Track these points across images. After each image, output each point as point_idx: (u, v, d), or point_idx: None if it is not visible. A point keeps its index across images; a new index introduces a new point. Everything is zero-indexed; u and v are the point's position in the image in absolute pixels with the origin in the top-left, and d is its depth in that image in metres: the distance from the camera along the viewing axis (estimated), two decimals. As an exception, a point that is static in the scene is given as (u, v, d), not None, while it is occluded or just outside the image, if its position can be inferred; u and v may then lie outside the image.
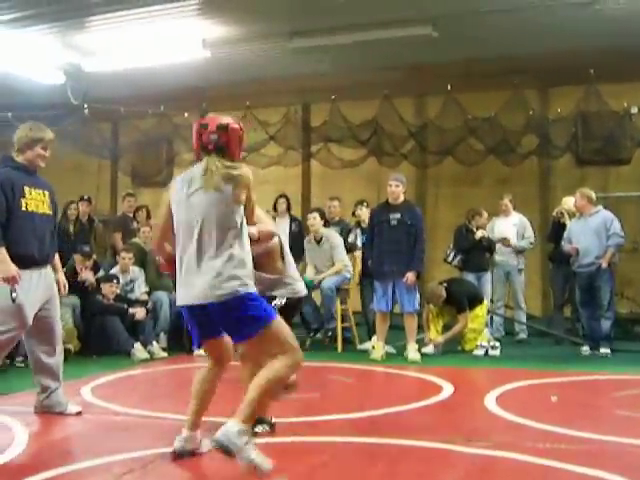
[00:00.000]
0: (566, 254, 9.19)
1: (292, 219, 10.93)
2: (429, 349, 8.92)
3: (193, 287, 3.97)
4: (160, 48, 10.93)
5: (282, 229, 10.64)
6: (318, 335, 9.63)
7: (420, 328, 9.01)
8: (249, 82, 12.60)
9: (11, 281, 5.00)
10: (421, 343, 8.90)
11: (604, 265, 8.79)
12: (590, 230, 8.90)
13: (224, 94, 12.73)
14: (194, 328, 4.17)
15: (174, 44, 10.80)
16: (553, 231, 10.00)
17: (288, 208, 10.94)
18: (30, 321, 5.19)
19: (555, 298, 10.32)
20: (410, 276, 8.21)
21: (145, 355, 8.43)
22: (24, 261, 5.12)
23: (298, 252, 10.51)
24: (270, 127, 12.29)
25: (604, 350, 8.81)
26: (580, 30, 10.24)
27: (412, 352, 8.34)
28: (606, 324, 8.87)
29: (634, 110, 11.15)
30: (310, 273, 9.52)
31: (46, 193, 5.45)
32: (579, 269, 9.00)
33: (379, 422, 5.30)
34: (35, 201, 5.30)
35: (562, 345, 9.67)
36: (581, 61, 10.81)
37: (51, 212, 5.48)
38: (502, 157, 11.69)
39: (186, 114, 12.60)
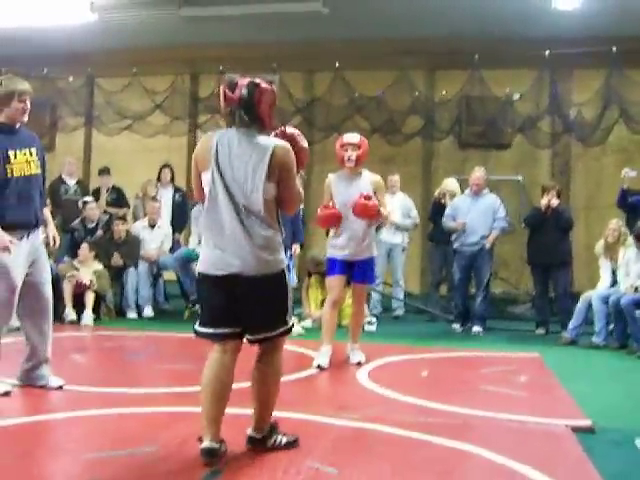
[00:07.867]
0: (447, 233, 9.40)
1: (176, 189, 10.80)
2: (307, 323, 8.99)
3: None
4: (47, 8, 10.50)
5: (165, 199, 10.54)
6: (197, 306, 9.54)
7: (299, 302, 9.07)
8: (136, 49, 12.28)
9: (4, 251, 4.82)
10: (300, 317, 8.96)
11: (488, 246, 9.08)
12: (479, 210, 9.14)
13: (111, 60, 12.41)
14: None
15: (61, 4, 10.42)
16: (433, 211, 10.22)
17: (172, 179, 10.81)
18: (18, 283, 4.96)
19: (432, 277, 10.58)
20: (295, 248, 8.30)
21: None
22: (9, 229, 4.88)
23: (181, 222, 10.46)
24: (157, 96, 12.11)
25: (476, 328, 9.10)
26: (465, 16, 10.46)
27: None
28: (480, 303, 9.17)
29: (516, 97, 11.50)
30: (193, 243, 9.43)
31: (32, 150, 5.09)
32: (462, 247, 9.22)
33: (250, 393, 5.30)
34: (20, 165, 4.96)
35: (437, 322, 9.90)
36: (466, 46, 11.09)
37: (39, 171, 5.14)
38: (387, 137, 11.84)
39: (71, 78, 12.26)
